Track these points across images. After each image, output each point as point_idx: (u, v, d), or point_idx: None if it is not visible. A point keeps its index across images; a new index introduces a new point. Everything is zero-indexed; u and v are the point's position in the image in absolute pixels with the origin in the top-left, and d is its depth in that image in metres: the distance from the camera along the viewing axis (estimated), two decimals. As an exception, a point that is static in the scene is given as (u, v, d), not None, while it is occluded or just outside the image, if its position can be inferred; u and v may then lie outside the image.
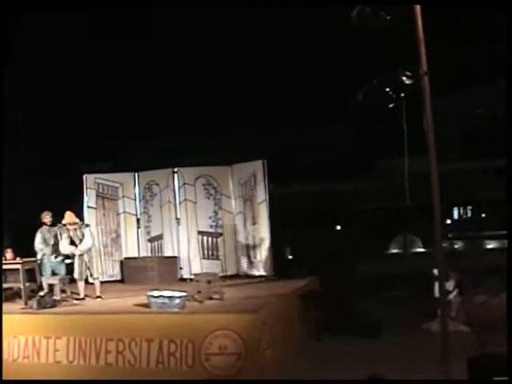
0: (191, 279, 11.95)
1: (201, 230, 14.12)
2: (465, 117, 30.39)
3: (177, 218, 14.14)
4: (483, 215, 27.57)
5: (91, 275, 11.21)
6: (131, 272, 14.00)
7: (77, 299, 10.76)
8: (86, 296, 11.07)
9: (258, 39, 23.80)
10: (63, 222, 11.23)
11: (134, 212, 14.79)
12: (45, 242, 11.55)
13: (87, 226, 11.46)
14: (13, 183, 15.20)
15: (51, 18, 18.41)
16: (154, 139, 26.93)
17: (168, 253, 14.28)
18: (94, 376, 8.53)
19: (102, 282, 13.37)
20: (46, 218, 11.61)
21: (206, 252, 14.09)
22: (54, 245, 11.51)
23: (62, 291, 10.73)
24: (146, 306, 9.36)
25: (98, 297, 11.12)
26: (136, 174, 14.82)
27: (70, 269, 11.45)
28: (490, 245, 25.93)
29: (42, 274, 11.31)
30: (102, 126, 23.69)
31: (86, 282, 11.31)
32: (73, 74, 21.99)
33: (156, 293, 9.32)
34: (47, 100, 20.84)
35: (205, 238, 14.14)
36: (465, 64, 23.58)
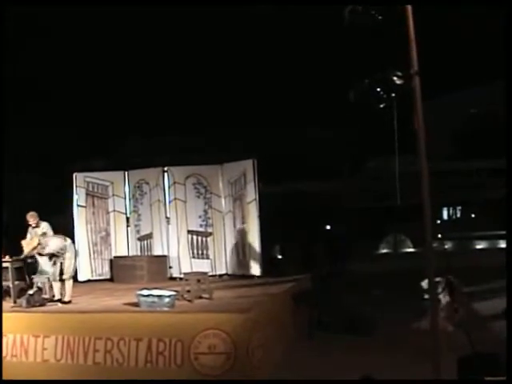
0: (181, 278, 11.95)
1: (190, 229, 14.09)
2: (457, 116, 30.45)
3: (167, 217, 14.11)
4: (473, 215, 27.63)
5: (61, 275, 10.23)
6: (121, 271, 13.96)
7: (52, 300, 10.21)
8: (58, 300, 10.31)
9: (249, 40, 23.80)
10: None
11: (123, 211, 14.76)
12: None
13: (43, 234, 10.53)
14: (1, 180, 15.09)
15: (47, 12, 18.36)
16: (145, 137, 26.86)
17: (158, 252, 14.26)
18: (82, 375, 8.47)
19: (91, 281, 13.33)
20: (30, 219, 10.95)
21: (195, 251, 14.07)
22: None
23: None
24: (136, 304, 9.34)
25: (62, 302, 10.20)
26: (126, 173, 14.79)
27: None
28: (480, 245, 26.00)
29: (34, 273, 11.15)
30: (92, 124, 23.63)
31: (76, 280, 11.18)
32: (66, 72, 21.96)
33: (145, 292, 9.29)
34: (38, 97, 20.80)
35: (194, 237, 14.11)
36: (458, 64, 23.68)
